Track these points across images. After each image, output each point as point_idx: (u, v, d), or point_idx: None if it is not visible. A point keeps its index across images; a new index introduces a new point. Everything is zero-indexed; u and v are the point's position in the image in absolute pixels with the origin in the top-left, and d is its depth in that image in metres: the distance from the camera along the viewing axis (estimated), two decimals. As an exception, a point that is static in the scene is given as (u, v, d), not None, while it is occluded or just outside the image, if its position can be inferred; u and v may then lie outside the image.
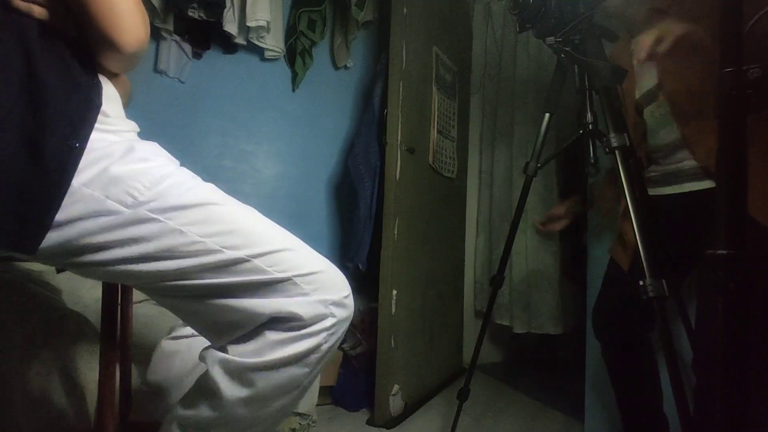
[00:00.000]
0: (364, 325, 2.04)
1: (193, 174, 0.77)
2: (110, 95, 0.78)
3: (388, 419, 1.74)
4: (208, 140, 2.11)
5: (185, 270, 0.70)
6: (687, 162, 1.11)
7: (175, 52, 2.00)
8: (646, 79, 1.17)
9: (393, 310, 1.78)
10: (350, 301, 0.76)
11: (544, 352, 2.76)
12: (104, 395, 0.89)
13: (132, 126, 0.81)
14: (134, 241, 0.69)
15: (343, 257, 2.30)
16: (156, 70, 1.98)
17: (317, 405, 1.71)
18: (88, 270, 0.72)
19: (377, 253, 1.85)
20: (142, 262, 0.69)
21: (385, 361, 1.75)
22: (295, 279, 0.72)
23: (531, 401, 2.11)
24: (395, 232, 1.80)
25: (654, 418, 1.21)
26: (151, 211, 0.69)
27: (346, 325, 0.76)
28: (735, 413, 0.55)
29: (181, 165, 0.79)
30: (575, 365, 1.87)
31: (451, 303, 2.39)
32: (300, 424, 1.62)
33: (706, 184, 1.07)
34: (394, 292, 1.79)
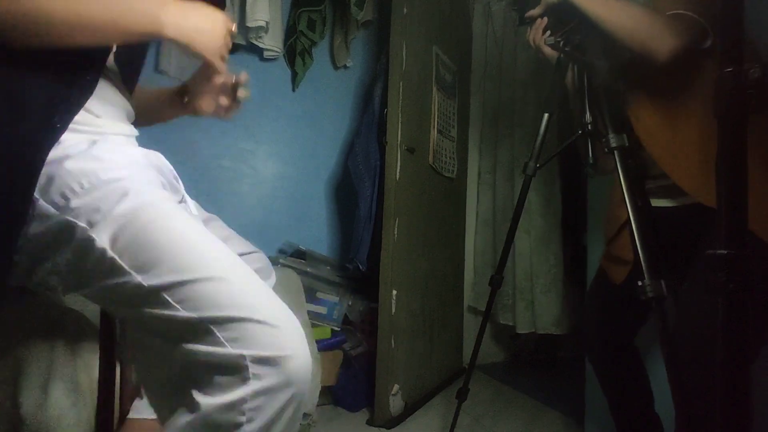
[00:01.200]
0: (364, 325, 2.04)
1: (155, 186, 0.70)
2: (105, 97, 0.76)
3: (388, 419, 1.74)
4: (207, 140, 2.11)
5: (94, 292, 0.65)
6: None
7: (176, 53, 2.00)
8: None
9: (393, 310, 1.78)
10: (296, 366, 0.60)
11: (544, 352, 2.76)
12: (104, 394, 0.89)
13: (123, 129, 0.79)
14: (54, 250, 0.64)
15: (343, 257, 2.30)
16: (157, 70, 1.98)
17: (317, 405, 1.71)
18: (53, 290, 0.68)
19: (377, 253, 1.85)
20: (69, 277, 0.65)
21: (385, 361, 1.75)
22: (206, 322, 0.60)
23: (531, 401, 2.11)
24: (395, 232, 1.80)
25: (647, 420, 1.20)
26: (76, 217, 0.63)
27: (284, 395, 0.60)
28: (735, 413, 0.55)
29: (178, 167, 0.78)
30: (575, 365, 1.87)
31: (451, 303, 2.39)
32: (300, 424, 1.62)
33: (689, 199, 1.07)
34: (394, 292, 1.79)
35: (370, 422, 1.75)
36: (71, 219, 0.63)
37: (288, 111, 2.31)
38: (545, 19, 1.17)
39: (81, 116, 0.71)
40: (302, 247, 2.11)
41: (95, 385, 0.97)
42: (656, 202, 1.16)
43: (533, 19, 1.18)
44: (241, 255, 0.85)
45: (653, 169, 1.14)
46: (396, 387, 1.79)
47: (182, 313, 0.60)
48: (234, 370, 0.59)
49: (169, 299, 0.61)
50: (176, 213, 0.67)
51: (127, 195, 0.64)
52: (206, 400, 0.59)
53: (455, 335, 2.46)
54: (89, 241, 0.63)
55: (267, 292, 0.66)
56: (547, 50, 1.21)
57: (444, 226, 2.30)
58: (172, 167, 0.85)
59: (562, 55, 1.20)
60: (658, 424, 1.20)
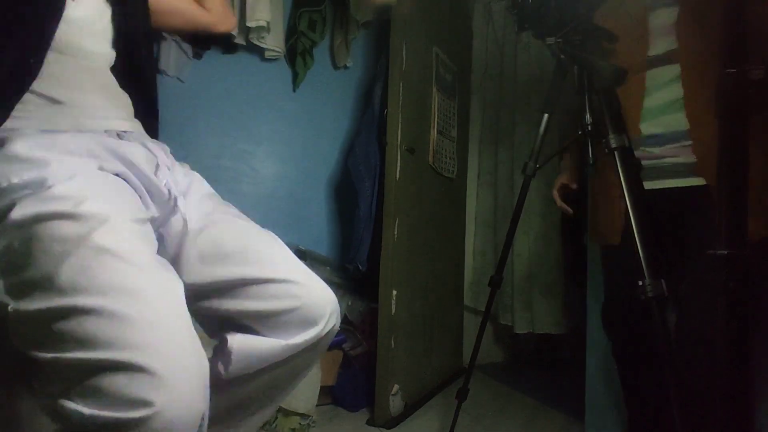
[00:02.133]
0: (364, 325, 2.04)
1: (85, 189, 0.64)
2: (63, 79, 0.75)
3: (388, 419, 1.74)
4: (207, 140, 2.11)
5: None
6: (668, 159, 1.15)
7: (175, 52, 1.99)
8: (661, 43, 1.18)
9: (393, 310, 1.78)
10: (163, 421, 0.51)
11: (544, 352, 2.75)
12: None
13: (98, 124, 0.77)
14: None
15: (343, 257, 2.30)
16: (156, 69, 1.98)
17: (317, 405, 1.71)
18: None
19: (377, 253, 1.85)
20: None
21: (385, 361, 1.75)
22: (60, 366, 0.53)
23: (531, 401, 2.10)
24: (395, 232, 1.80)
25: (665, 419, 1.19)
26: None
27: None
28: (735, 413, 0.55)
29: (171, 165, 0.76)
30: (575, 365, 1.87)
31: (451, 303, 2.39)
32: (300, 424, 1.62)
33: (691, 181, 1.09)
34: (394, 292, 1.79)
35: (370, 422, 1.75)
36: None
37: (288, 111, 2.31)
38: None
39: (31, 104, 0.69)
40: (302, 247, 2.11)
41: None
42: (660, 184, 1.18)
43: (532, 26, 1.18)
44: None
45: (642, 140, 1.16)
46: (396, 387, 1.79)
47: (45, 353, 0.52)
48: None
49: (38, 332, 0.53)
50: (90, 225, 0.59)
51: (32, 201, 0.59)
52: None
53: (455, 335, 2.46)
54: None
55: (174, 325, 0.57)
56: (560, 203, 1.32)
57: (444, 226, 2.30)
58: (164, 157, 0.84)
59: (562, 56, 1.20)
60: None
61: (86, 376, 0.52)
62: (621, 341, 1.28)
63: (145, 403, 0.51)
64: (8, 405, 0.98)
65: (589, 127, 1.16)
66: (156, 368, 0.52)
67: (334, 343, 1.92)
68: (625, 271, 1.22)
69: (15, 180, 0.63)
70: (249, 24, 1.98)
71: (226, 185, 2.14)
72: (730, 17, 0.55)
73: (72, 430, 0.52)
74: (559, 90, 1.29)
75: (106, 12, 0.87)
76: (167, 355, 0.53)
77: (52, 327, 0.53)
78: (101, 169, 0.73)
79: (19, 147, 0.66)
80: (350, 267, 2.12)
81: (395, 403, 1.78)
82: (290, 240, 2.29)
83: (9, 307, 0.55)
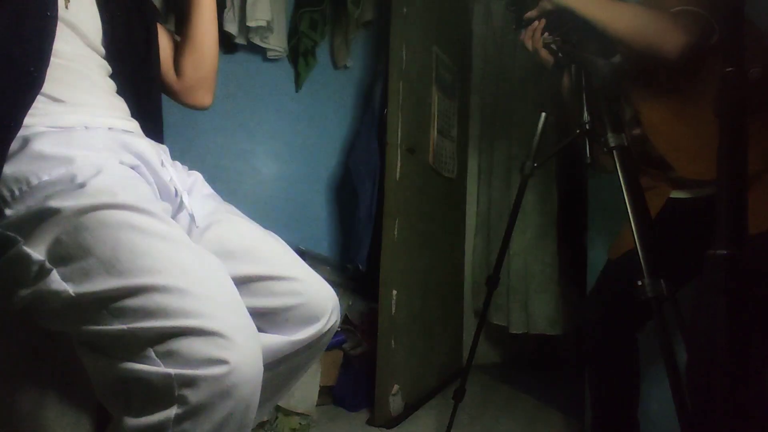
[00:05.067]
0: (364, 325, 2.04)
1: (111, 179, 0.66)
2: (82, 86, 0.76)
3: (388, 419, 1.74)
4: (207, 140, 2.11)
5: (32, 304, 0.63)
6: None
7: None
8: (626, 108, 1.19)
9: (393, 310, 1.78)
10: (238, 378, 0.57)
11: (544, 353, 2.75)
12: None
13: (105, 121, 0.77)
14: None
15: (343, 257, 2.30)
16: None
17: (317, 405, 1.71)
18: None
19: (377, 253, 1.85)
20: None
21: (385, 361, 1.75)
22: (137, 336, 0.57)
23: (531, 401, 2.10)
24: (395, 232, 1.80)
25: (627, 423, 1.19)
26: (7, 228, 0.61)
27: (219, 410, 0.56)
28: (735, 413, 0.55)
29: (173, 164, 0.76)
30: (575, 365, 1.87)
31: (451, 303, 2.39)
32: (300, 424, 1.62)
33: (708, 191, 1.08)
34: (394, 292, 1.79)
35: (370, 422, 1.75)
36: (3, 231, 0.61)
37: (288, 111, 2.31)
38: (542, 21, 1.16)
39: (38, 102, 0.69)
40: (302, 247, 2.11)
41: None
42: (674, 194, 1.17)
43: (530, 22, 1.18)
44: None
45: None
46: (396, 387, 1.79)
47: (110, 325, 0.57)
48: (159, 390, 0.56)
49: (102, 310, 0.57)
50: (131, 212, 0.63)
51: (67, 196, 0.61)
52: (130, 422, 0.57)
53: (455, 335, 2.46)
54: (23, 256, 0.60)
55: (227, 294, 0.63)
56: (545, 54, 1.20)
57: (444, 226, 2.30)
58: (166, 158, 0.84)
59: (560, 55, 1.20)
60: (637, 430, 1.19)
61: (160, 341, 0.57)
62: (595, 341, 1.26)
63: (221, 361, 0.56)
64: (11, 403, 0.98)
65: (587, 126, 1.16)
66: (226, 332, 0.57)
67: (334, 343, 1.92)
68: (614, 273, 1.22)
69: (45, 177, 0.64)
70: (249, 24, 1.98)
71: (227, 185, 2.14)
72: (729, 17, 0.56)
73: (150, 389, 0.56)
74: (558, 89, 1.30)
75: (97, 17, 0.87)
76: (231, 321, 0.60)
77: (122, 303, 0.57)
78: (121, 162, 0.74)
79: (41, 145, 0.67)
80: (350, 267, 2.12)
81: (395, 403, 1.78)
82: (290, 239, 2.28)
83: (71, 291, 0.58)
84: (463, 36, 2.55)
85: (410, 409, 1.88)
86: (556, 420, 1.90)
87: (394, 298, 1.79)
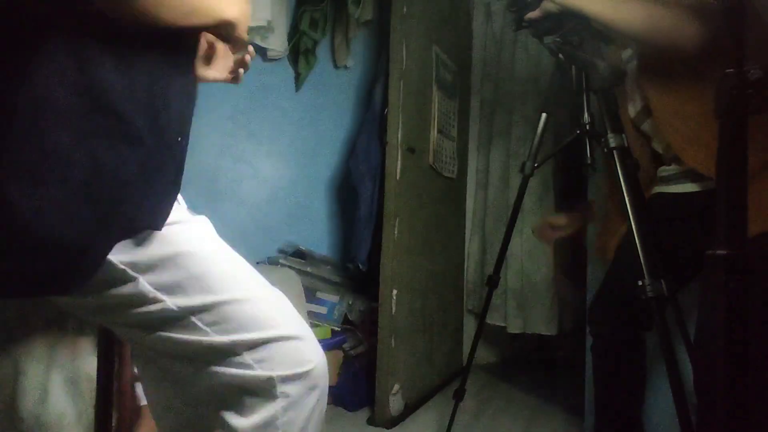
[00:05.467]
0: (365, 325, 2.04)
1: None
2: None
3: (388, 419, 1.74)
4: (207, 140, 2.11)
5: (115, 319, 0.65)
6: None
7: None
8: (638, 100, 1.18)
9: (393, 310, 1.78)
10: (318, 371, 0.69)
11: (544, 352, 2.76)
12: (103, 393, 0.89)
13: None
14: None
15: (344, 257, 2.30)
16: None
17: (317, 404, 1.71)
18: None
19: (377, 253, 1.85)
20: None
21: (385, 361, 1.75)
22: (236, 345, 0.63)
23: (530, 401, 2.11)
24: (395, 232, 1.80)
25: (631, 424, 1.19)
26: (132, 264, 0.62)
27: (311, 398, 0.69)
28: (735, 414, 0.55)
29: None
30: (575, 365, 1.87)
31: (451, 303, 2.39)
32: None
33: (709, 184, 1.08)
34: (394, 292, 1.79)
35: (371, 422, 1.75)
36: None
37: (288, 111, 2.31)
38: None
39: None
40: (302, 247, 2.11)
41: (95, 384, 0.97)
42: (671, 189, 1.16)
43: (531, 23, 1.17)
44: None
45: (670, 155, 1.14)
46: (396, 386, 1.79)
47: (211, 337, 0.63)
48: (263, 390, 0.64)
49: (198, 323, 0.63)
50: (202, 235, 0.69)
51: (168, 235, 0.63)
52: (241, 422, 0.64)
53: (455, 335, 2.46)
54: (132, 282, 0.61)
55: (286, 304, 0.71)
56: None
57: (444, 226, 2.30)
58: None
59: (561, 56, 1.20)
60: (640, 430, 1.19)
61: (253, 347, 0.64)
62: (603, 338, 1.26)
63: (309, 361, 0.67)
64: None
65: (587, 127, 1.16)
66: (303, 335, 0.68)
67: (334, 343, 1.92)
68: (622, 273, 1.22)
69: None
70: (249, 23, 1.98)
71: (228, 185, 2.15)
72: (729, 18, 0.56)
73: (255, 390, 0.64)
74: (558, 90, 1.30)
75: None
76: (301, 326, 0.70)
77: (217, 312, 0.63)
78: None
79: None
80: (351, 266, 2.12)
81: (395, 403, 1.78)
82: (291, 239, 2.31)
83: (167, 302, 0.62)
84: (463, 36, 2.55)
85: (410, 408, 1.88)
86: (556, 419, 1.90)
87: (395, 297, 1.79)
